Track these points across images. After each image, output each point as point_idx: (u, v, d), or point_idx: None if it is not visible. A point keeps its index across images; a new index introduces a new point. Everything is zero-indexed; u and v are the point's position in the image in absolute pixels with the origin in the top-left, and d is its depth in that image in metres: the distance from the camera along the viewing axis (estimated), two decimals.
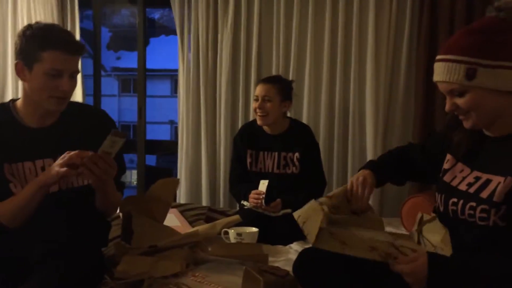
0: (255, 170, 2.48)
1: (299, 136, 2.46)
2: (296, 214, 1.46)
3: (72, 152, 1.50)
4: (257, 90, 2.46)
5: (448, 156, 1.40)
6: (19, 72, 1.55)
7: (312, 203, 1.44)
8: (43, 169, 1.57)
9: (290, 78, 2.84)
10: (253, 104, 2.49)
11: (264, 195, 2.31)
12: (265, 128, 2.49)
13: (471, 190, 1.28)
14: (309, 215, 1.41)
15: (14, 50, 1.57)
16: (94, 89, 3.88)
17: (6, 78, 3.60)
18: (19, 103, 1.61)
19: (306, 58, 3.06)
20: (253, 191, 2.35)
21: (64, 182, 1.59)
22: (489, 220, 1.21)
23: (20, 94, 1.68)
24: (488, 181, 1.25)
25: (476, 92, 1.20)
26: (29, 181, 1.55)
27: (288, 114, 2.62)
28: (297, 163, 2.41)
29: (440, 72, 1.23)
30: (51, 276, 1.44)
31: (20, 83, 3.42)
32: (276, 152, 2.44)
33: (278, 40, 3.11)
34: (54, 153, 1.58)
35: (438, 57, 1.26)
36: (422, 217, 1.43)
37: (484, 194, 1.24)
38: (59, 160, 1.49)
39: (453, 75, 1.20)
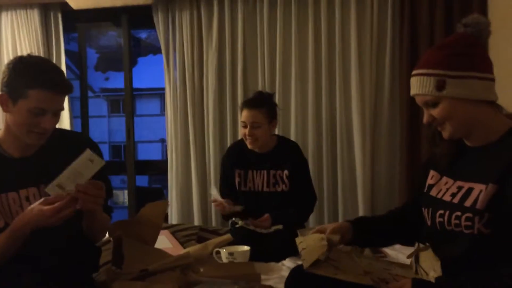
0: (244, 190, 2.44)
1: (288, 154, 2.43)
2: (298, 240, 1.46)
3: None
4: (244, 116, 2.36)
5: (432, 172, 1.43)
6: (3, 103, 1.51)
7: (318, 236, 1.45)
8: (27, 198, 1.54)
9: (277, 94, 2.79)
10: (241, 130, 2.41)
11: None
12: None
13: (455, 200, 1.30)
14: (311, 245, 1.42)
15: (0, 80, 1.52)
16: (81, 111, 3.87)
17: None
18: (0, 133, 1.58)
19: (291, 72, 3.08)
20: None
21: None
22: (474, 228, 1.24)
23: (1, 124, 1.65)
24: (470, 190, 1.28)
25: (447, 102, 1.27)
26: (13, 212, 1.51)
27: (276, 131, 2.58)
28: (286, 181, 2.38)
29: (414, 86, 1.32)
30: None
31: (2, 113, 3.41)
32: (265, 170, 2.41)
33: (262, 56, 3.13)
34: (37, 182, 1.57)
35: (413, 73, 1.34)
36: (418, 246, 1.43)
37: (468, 203, 1.27)
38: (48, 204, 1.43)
39: (425, 87, 1.29)
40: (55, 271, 1.53)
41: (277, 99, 3.00)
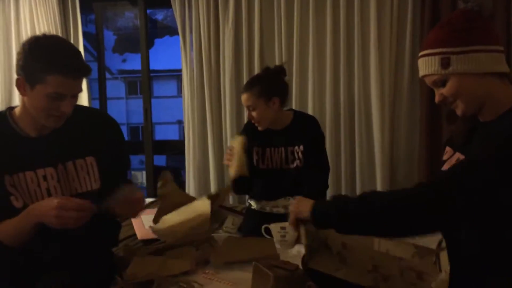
0: (262, 168, 2.41)
1: (303, 129, 2.38)
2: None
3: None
4: (242, 100, 2.35)
5: (447, 148, 1.45)
6: (20, 87, 1.49)
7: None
8: (44, 178, 1.54)
9: (294, 73, 2.75)
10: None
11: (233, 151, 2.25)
12: None
13: None
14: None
15: (16, 62, 1.50)
16: (100, 92, 3.90)
17: (13, 84, 3.63)
18: (17, 111, 1.57)
19: (309, 51, 3.04)
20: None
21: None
22: None
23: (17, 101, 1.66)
24: None
25: (455, 79, 1.28)
26: (31, 191, 1.52)
27: (294, 107, 2.54)
28: (301, 156, 2.34)
29: (421, 67, 1.34)
30: (63, 277, 1.46)
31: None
32: (282, 147, 2.38)
33: (280, 34, 3.09)
34: (55, 162, 1.57)
35: (419, 55, 1.35)
36: (441, 240, 1.43)
37: None
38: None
39: (430, 67, 1.30)
40: (76, 243, 1.55)
41: (294, 76, 2.99)
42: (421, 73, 1.34)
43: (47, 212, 1.41)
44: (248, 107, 2.31)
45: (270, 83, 2.32)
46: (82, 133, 1.62)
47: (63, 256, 1.52)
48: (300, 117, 2.46)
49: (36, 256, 1.52)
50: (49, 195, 1.54)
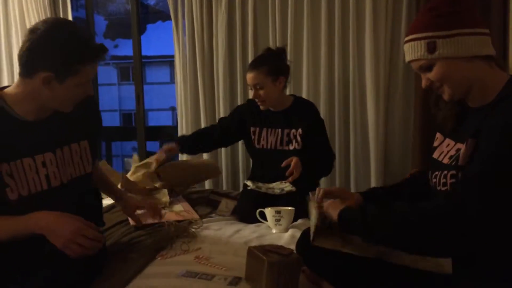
0: (258, 147, 2.45)
1: (303, 113, 2.42)
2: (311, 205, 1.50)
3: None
4: (247, 78, 2.38)
5: (438, 135, 1.45)
6: (45, 83, 1.42)
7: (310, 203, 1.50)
8: (43, 164, 1.49)
9: (288, 57, 2.75)
10: (251, 92, 2.41)
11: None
12: None
13: (449, 161, 1.31)
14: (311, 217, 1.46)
15: (33, 59, 1.41)
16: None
17: (2, 68, 3.59)
18: (11, 94, 1.48)
19: (303, 35, 3.01)
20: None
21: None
22: None
23: (13, 81, 1.59)
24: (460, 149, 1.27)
25: (441, 63, 1.26)
26: (29, 180, 1.47)
27: (288, 91, 2.57)
28: (299, 140, 2.37)
29: (407, 52, 1.33)
30: (62, 263, 1.44)
31: (15, 73, 3.41)
32: (280, 128, 2.41)
33: (274, 18, 3.05)
34: (53, 146, 1.53)
35: (404, 40, 1.34)
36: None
37: (454, 161, 1.28)
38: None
39: (416, 52, 1.28)
40: None
41: (288, 60, 2.96)
42: (408, 58, 1.33)
43: (63, 232, 1.37)
44: (255, 86, 2.35)
45: (277, 63, 2.38)
46: (75, 117, 1.59)
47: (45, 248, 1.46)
48: (300, 101, 2.51)
49: (35, 249, 1.48)
50: (48, 181, 1.51)
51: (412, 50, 1.29)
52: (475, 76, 1.27)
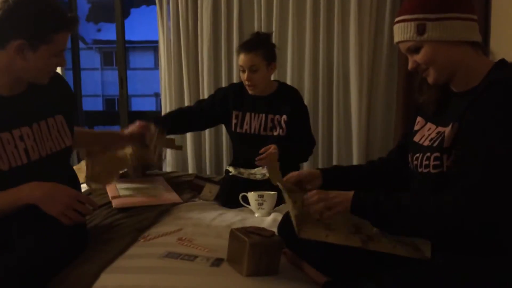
0: (240, 131, 2.44)
1: (287, 99, 2.40)
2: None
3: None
4: (241, 60, 2.32)
5: (419, 118, 1.46)
6: (18, 52, 1.42)
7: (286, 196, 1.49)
8: (21, 138, 1.51)
9: (273, 36, 2.74)
10: (241, 75, 2.37)
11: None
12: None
13: (430, 143, 1.33)
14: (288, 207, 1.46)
15: (8, 26, 1.40)
16: (73, 63, 3.80)
17: None
18: None
19: (289, 19, 3.00)
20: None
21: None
22: (443, 166, 1.27)
23: None
24: (443, 132, 1.29)
25: (429, 46, 1.28)
26: (9, 153, 1.48)
27: (272, 76, 2.57)
28: (284, 125, 2.37)
29: (396, 33, 1.34)
30: (39, 241, 1.45)
31: None
32: (263, 114, 2.40)
33: (259, 2, 3.03)
34: (29, 121, 1.54)
35: (395, 20, 1.35)
36: None
37: (436, 143, 1.30)
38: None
39: (406, 33, 1.30)
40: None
41: (273, 38, 2.96)
42: (396, 39, 1.34)
43: (61, 198, 1.44)
44: (250, 67, 2.30)
45: (271, 48, 2.37)
46: (48, 92, 1.61)
47: (27, 220, 1.50)
48: (285, 87, 2.50)
49: (5, 228, 1.50)
50: (27, 155, 1.52)
51: (401, 31, 1.30)
52: (461, 61, 1.29)
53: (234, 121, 2.45)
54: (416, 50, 1.30)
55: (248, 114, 2.42)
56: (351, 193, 1.32)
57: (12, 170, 1.49)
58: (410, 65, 1.34)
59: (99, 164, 1.98)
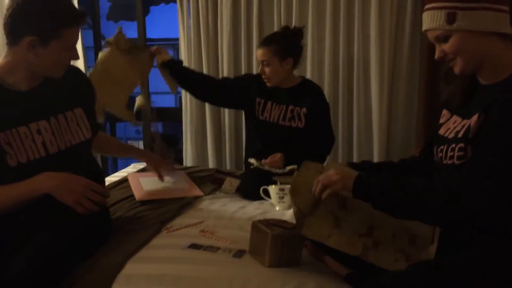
0: (261, 118, 2.48)
1: (309, 93, 2.45)
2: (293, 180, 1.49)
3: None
4: (256, 54, 2.43)
5: (444, 111, 1.45)
6: (29, 48, 1.46)
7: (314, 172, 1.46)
8: (38, 132, 1.53)
9: None
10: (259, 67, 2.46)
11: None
12: None
13: (455, 135, 1.32)
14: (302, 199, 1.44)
15: (16, 23, 1.46)
16: (96, 61, 3.84)
17: None
18: (0, 66, 1.52)
19: (309, 15, 2.99)
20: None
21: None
22: (467, 157, 1.26)
23: None
24: (470, 124, 1.28)
25: (458, 35, 1.26)
26: (26, 147, 1.50)
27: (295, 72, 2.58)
28: (303, 118, 2.41)
29: (425, 21, 1.31)
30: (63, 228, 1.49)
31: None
32: (284, 105, 2.44)
33: None
34: (47, 114, 1.57)
35: (424, 8, 1.33)
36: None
37: (461, 134, 1.29)
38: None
39: (435, 21, 1.27)
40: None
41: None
42: (425, 27, 1.32)
43: (74, 188, 1.49)
44: (262, 62, 2.38)
45: (288, 44, 2.39)
46: (66, 86, 1.64)
47: (50, 214, 1.52)
48: (308, 82, 2.55)
49: (27, 220, 1.53)
50: (45, 148, 1.54)
51: (430, 19, 1.28)
52: (489, 52, 1.27)
53: (256, 107, 2.48)
54: (444, 39, 1.28)
55: (269, 103, 2.47)
56: (355, 173, 1.32)
57: (31, 163, 1.51)
58: (437, 54, 1.33)
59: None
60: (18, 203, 1.48)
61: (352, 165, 1.59)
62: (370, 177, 1.30)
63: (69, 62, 1.59)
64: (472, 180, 1.17)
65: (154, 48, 2.44)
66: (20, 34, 1.46)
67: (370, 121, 3.00)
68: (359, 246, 1.37)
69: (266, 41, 2.40)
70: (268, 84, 2.43)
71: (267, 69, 2.37)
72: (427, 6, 1.31)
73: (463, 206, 1.18)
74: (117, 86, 2.22)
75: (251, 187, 2.24)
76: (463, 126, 1.31)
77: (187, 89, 2.65)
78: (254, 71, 3.09)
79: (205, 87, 2.56)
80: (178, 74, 2.49)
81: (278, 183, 2.15)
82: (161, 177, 2.22)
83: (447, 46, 1.29)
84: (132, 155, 2.26)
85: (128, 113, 2.33)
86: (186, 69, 2.59)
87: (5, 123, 1.49)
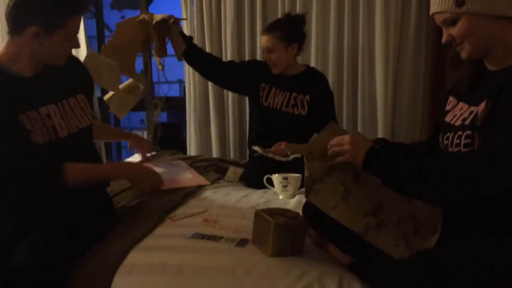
0: (265, 104, 2.49)
1: (313, 81, 2.46)
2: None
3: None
4: (261, 41, 2.43)
5: (451, 98, 1.42)
6: (34, 38, 1.47)
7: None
8: (48, 115, 1.55)
9: None
10: (262, 55, 2.46)
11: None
12: None
13: (462, 122, 1.29)
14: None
15: (20, 13, 1.47)
16: (99, 50, 3.84)
17: None
18: (3, 54, 1.53)
19: (313, 2, 2.97)
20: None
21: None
22: (474, 145, 1.24)
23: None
24: (477, 112, 1.26)
25: (466, 18, 1.23)
26: (37, 130, 1.52)
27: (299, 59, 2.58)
28: (306, 106, 2.41)
29: (433, 3, 1.28)
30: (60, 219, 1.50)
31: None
32: (288, 92, 2.44)
33: None
34: (55, 98, 1.59)
35: None
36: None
37: (468, 121, 1.26)
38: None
39: (444, 4, 1.24)
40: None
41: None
42: (433, 9, 1.29)
43: (151, 175, 1.78)
44: (267, 49, 2.39)
45: (292, 29, 2.41)
46: (67, 73, 1.66)
47: (57, 199, 1.55)
48: (313, 70, 2.56)
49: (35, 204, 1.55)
50: (55, 132, 1.56)
51: (438, 2, 1.25)
52: (499, 37, 1.24)
53: (260, 93, 2.49)
54: (452, 22, 1.25)
55: (273, 89, 2.47)
56: (367, 145, 1.29)
57: (46, 145, 1.54)
58: (444, 38, 1.30)
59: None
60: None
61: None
62: (381, 151, 1.27)
63: (70, 51, 1.61)
64: (490, 163, 1.14)
65: (172, 20, 2.41)
66: (24, 23, 1.46)
67: (374, 109, 2.97)
68: (361, 223, 1.35)
69: (271, 28, 2.41)
70: (274, 71, 2.43)
71: (272, 56, 2.38)
72: None
73: (478, 188, 1.15)
74: (127, 54, 2.43)
75: (255, 176, 2.24)
76: (470, 113, 1.29)
77: (194, 64, 2.61)
78: (258, 58, 3.07)
79: (211, 66, 2.56)
80: (188, 47, 2.49)
81: (289, 153, 2.16)
82: (145, 157, 2.37)
83: (455, 30, 1.26)
84: (121, 138, 2.48)
85: (138, 75, 2.54)
86: (195, 45, 2.58)
87: (15, 110, 1.50)
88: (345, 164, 1.34)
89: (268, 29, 2.41)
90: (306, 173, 1.42)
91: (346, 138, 1.32)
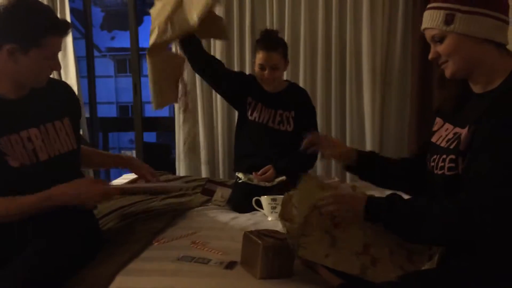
0: (251, 118, 2.47)
1: (296, 97, 2.47)
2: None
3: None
4: (263, 59, 2.33)
5: (437, 119, 1.44)
6: (9, 55, 1.46)
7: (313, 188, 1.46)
8: (29, 139, 1.54)
9: (285, 39, 2.79)
10: (259, 72, 2.38)
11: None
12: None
13: (446, 145, 1.31)
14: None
15: (0, 31, 1.46)
16: (88, 70, 3.85)
17: None
18: None
19: (301, 17, 3.01)
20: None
21: None
22: (458, 169, 1.25)
23: None
24: (460, 134, 1.27)
25: (453, 37, 1.25)
26: (18, 153, 1.51)
27: (285, 74, 2.60)
28: (291, 122, 2.42)
29: (425, 19, 1.31)
30: (41, 245, 1.47)
31: None
32: (273, 109, 2.44)
33: (271, 2, 3.06)
34: (37, 122, 1.58)
35: (427, 7, 1.32)
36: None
37: (452, 145, 1.28)
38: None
39: (433, 20, 1.27)
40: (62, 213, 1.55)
41: (285, 38, 2.95)
42: (424, 25, 1.31)
43: (92, 196, 1.58)
44: (273, 66, 2.36)
45: (286, 45, 2.44)
46: (54, 97, 1.65)
47: (41, 223, 1.53)
48: (295, 86, 2.57)
49: (19, 229, 1.53)
50: (36, 155, 1.55)
51: (429, 18, 1.28)
52: (482, 60, 1.26)
53: (247, 106, 2.48)
54: (440, 40, 1.27)
55: (260, 105, 2.46)
56: (363, 199, 1.32)
57: (23, 168, 1.52)
58: (431, 55, 1.32)
59: None
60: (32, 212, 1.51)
61: (359, 152, 1.59)
62: (380, 200, 1.30)
63: (51, 72, 1.60)
64: (482, 194, 1.16)
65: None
66: (1, 42, 1.46)
67: (362, 126, 3.01)
68: (357, 265, 1.35)
69: (274, 45, 2.35)
70: (267, 87, 2.43)
71: (276, 73, 2.37)
72: (429, 5, 1.31)
73: (477, 222, 1.16)
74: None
75: (240, 201, 2.23)
76: (454, 135, 1.30)
77: (192, 49, 2.54)
78: (247, 71, 3.09)
79: (209, 57, 2.55)
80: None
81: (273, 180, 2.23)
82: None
83: (441, 48, 1.28)
84: (117, 165, 2.09)
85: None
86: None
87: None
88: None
89: (273, 46, 2.35)
90: (284, 230, 1.43)
91: (345, 197, 1.36)
